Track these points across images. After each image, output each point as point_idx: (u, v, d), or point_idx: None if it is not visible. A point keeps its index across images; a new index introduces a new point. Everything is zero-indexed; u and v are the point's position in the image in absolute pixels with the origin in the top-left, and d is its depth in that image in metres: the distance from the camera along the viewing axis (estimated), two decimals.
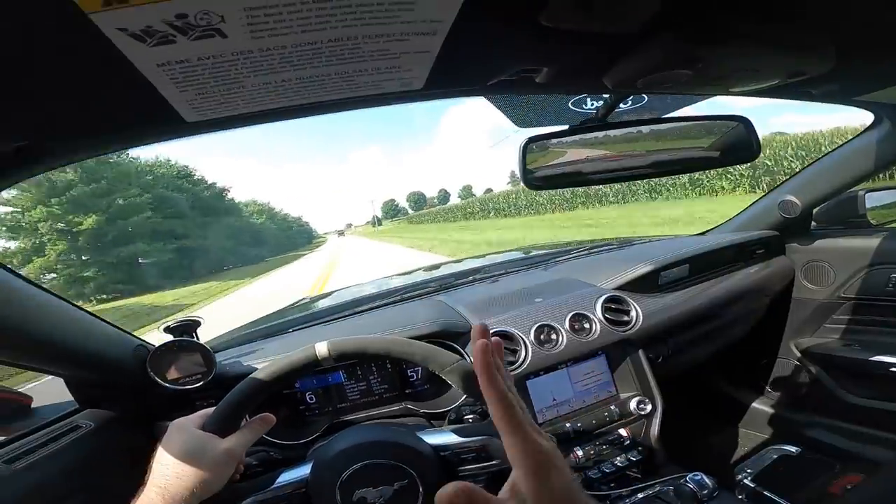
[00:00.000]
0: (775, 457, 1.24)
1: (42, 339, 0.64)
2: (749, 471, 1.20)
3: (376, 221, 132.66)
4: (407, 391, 0.98)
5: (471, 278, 1.37)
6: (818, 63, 0.52)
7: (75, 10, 0.21)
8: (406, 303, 1.23)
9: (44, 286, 0.64)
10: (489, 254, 2.45)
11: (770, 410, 1.43)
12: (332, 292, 1.83)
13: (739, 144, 0.69)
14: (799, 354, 1.36)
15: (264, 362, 0.91)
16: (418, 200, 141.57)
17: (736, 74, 0.54)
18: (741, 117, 0.68)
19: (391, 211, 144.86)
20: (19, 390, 1.10)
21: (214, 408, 0.61)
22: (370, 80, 0.36)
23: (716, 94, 0.61)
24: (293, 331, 1.14)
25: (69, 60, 0.26)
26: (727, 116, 0.67)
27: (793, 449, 1.25)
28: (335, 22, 0.27)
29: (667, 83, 0.50)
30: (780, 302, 1.38)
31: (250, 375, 0.63)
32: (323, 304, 1.57)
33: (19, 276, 0.59)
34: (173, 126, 0.37)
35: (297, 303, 1.78)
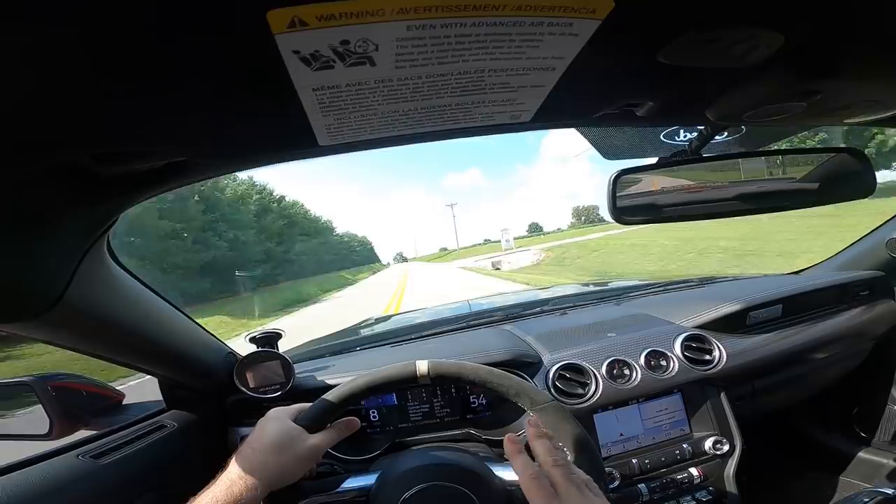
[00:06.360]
0: (867, 500, 1.09)
1: (156, 343, 0.70)
2: None
3: None
4: (468, 416, 0.97)
5: (538, 309, 1.34)
6: None
7: (264, 32, 0.23)
8: (473, 330, 1.23)
9: (159, 292, 0.71)
10: (556, 286, 2.40)
11: (867, 456, 1.27)
12: (400, 314, 1.86)
13: (851, 179, 0.63)
14: None
15: (336, 378, 0.94)
16: None
17: (856, 105, 0.50)
18: (854, 149, 0.63)
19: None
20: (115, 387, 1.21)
21: (310, 404, 0.63)
22: (485, 111, 0.38)
23: (829, 124, 0.57)
24: (362, 349, 1.17)
25: (245, 82, 0.29)
26: (837, 149, 0.62)
27: (890, 491, 1.12)
28: (468, 55, 0.28)
29: (776, 116, 0.47)
30: (885, 346, 1.24)
31: (350, 380, 0.65)
32: (390, 325, 1.60)
33: (143, 283, 0.66)
34: (307, 148, 0.40)
35: (364, 322, 1.83)
